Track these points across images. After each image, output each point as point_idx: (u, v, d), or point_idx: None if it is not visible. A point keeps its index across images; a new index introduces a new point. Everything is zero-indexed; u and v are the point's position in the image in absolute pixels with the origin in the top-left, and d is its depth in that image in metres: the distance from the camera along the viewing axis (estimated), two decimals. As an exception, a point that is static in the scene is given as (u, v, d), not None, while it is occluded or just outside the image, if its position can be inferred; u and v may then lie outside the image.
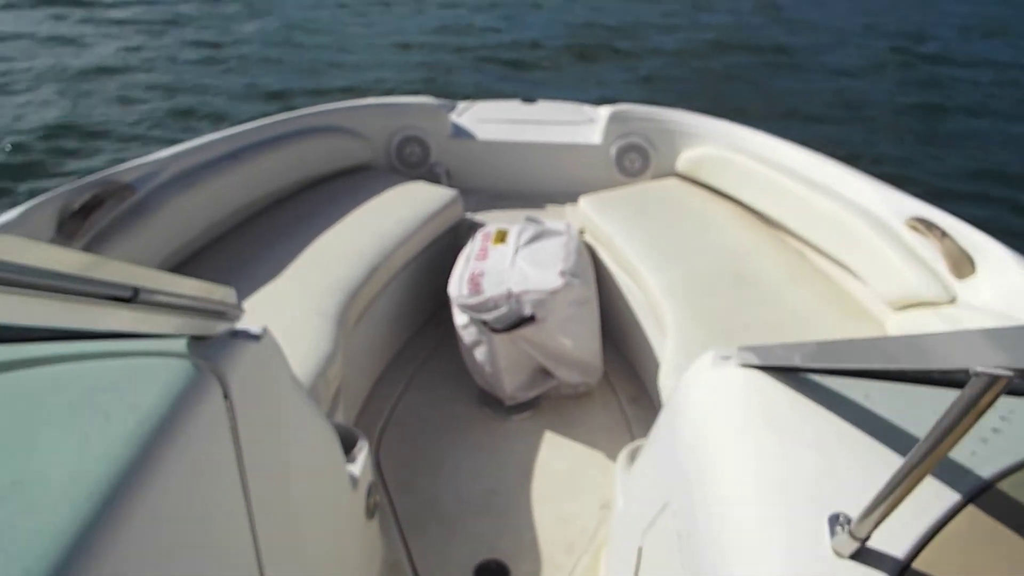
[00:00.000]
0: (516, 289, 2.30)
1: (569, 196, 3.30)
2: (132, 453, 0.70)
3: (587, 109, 3.71)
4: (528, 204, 3.27)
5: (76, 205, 2.10)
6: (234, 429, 0.89)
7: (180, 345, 0.88)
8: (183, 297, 0.81)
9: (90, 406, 0.75)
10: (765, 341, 2.06)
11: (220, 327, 0.94)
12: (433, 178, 3.28)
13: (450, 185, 3.20)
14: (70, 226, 2.03)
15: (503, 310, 2.27)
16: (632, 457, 1.69)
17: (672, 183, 3.17)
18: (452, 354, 2.73)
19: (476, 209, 3.19)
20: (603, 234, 2.80)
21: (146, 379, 0.80)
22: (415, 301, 2.90)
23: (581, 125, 3.49)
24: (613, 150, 3.30)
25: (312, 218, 2.75)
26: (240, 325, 1.00)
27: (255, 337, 0.98)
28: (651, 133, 3.24)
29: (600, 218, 2.83)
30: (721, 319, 2.17)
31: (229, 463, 0.89)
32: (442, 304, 3.03)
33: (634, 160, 3.28)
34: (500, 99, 3.86)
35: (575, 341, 2.42)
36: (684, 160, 3.16)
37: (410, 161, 3.34)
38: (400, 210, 2.82)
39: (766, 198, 2.76)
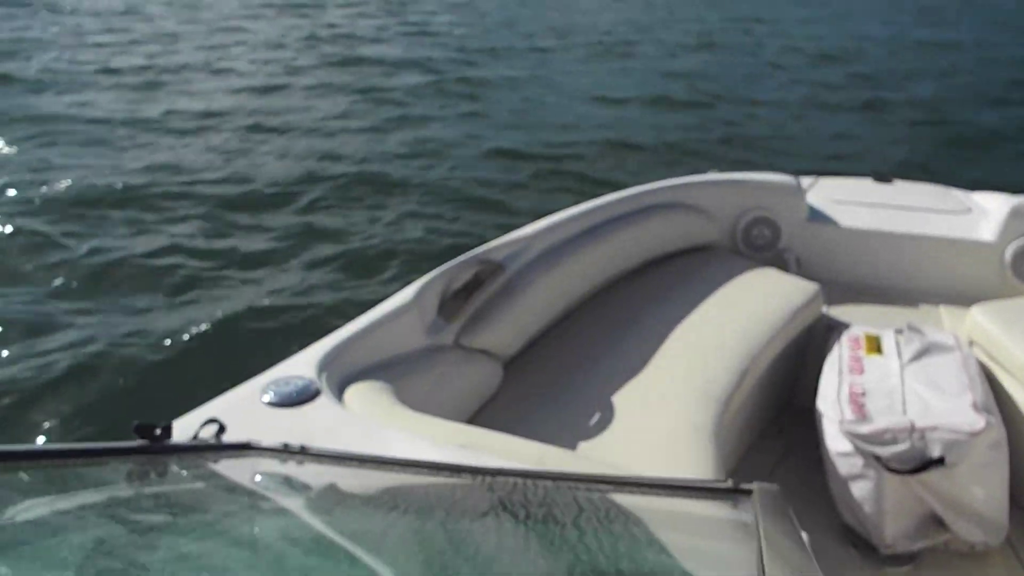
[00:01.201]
0: (920, 423, 1.92)
1: (944, 298, 2.85)
2: None
3: (958, 194, 3.21)
4: (891, 303, 2.85)
5: (458, 284, 2.11)
6: None
7: None
8: None
9: None
10: None
11: None
12: (781, 264, 2.98)
13: (799, 273, 2.89)
14: (451, 307, 2.04)
15: (903, 447, 1.90)
16: None
17: None
18: (797, 471, 2.40)
19: (829, 304, 2.83)
20: (1012, 357, 2.31)
21: None
22: (762, 407, 2.60)
23: (957, 215, 3.01)
24: (1010, 251, 2.77)
25: (663, 301, 2.59)
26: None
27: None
28: None
29: (1008, 336, 2.34)
30: None
31: None
32: (782, 410, 2.71)
33: None
34: (848, 176, 3.48)
35: (984, 492, 1.98)
36: None
37: (757, 244, 3.07)
38: (757, 302, 2.55)
39: None
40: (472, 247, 2.50)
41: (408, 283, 2.09)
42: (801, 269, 2.99)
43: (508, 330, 2.16)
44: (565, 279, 2.50)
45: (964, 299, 2.80)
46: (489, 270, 2.27)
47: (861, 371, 2.22)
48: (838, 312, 2.78)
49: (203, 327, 4.07)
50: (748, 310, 2.51)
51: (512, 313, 2.19)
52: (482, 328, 2.09)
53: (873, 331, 2.44)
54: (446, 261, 2.31)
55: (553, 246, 2.56)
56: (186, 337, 3.97)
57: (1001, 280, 2.80)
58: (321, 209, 5.93)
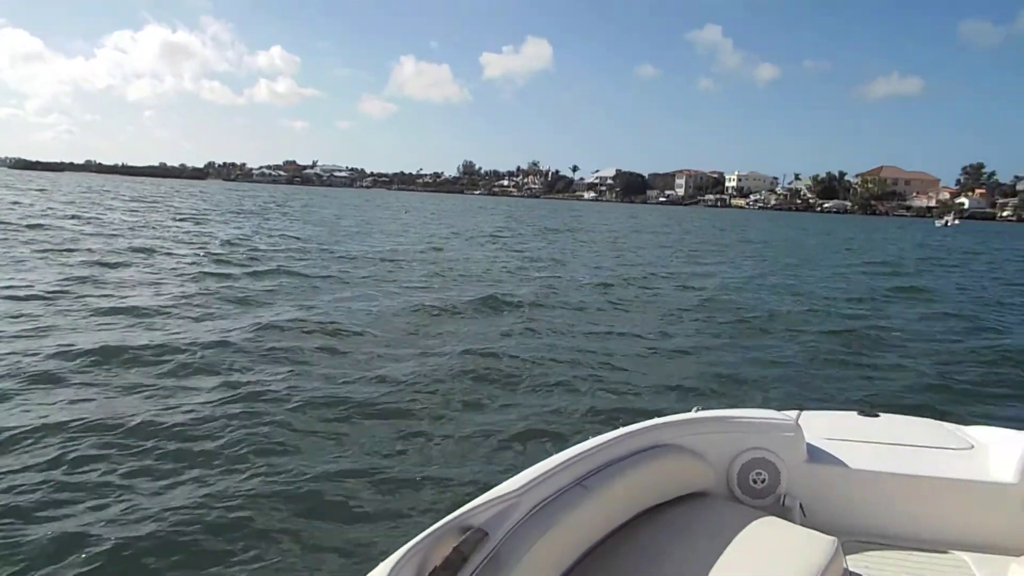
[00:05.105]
0: None
1: (967, 546, 2.65)
2: None
3: (952, 428, 3.13)
4: (911, 551, 2.64)
5: (437, 562, 1.82)
6: None
7: None
8: None
9: None
10: None
11: None
12: (782, 512, 2.75)
13: (806, 523, 2.66)
14: None
15: None
16: None
17: None
18: None
19: (845, 555, 2.58)
20: None
21: None
22: None
23: (960, 452, 2.89)
24: None
25: (664, 562, 2.32)
26: None
27: None
28: None
29: None
30: None
31: None
32: None
33: None
34: (827, 410, 3.38)
35: None
36: None
37: (755, 489, 2.83)
38: (773, 564, 2.30)
39: None
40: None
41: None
42: (806, 518, 2.76)
43: None
44: (557, 543, 2.22)
45: (991, 548, 2.60)
46: (472, 540, 1.98)
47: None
48: (857, 566, 2.54)
49: None
50: (766, 575, 2.24)
51: None
52: None
53: None
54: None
55: (541, 503, 2.30)
56: None
57: (1020, 522, 2.62)
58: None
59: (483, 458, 5.51)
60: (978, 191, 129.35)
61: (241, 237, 24.49)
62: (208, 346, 8.47)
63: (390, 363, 8.19)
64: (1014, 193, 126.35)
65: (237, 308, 11.28)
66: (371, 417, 6.31)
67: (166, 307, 10.87)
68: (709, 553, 2.35)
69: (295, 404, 6.51)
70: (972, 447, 2.91)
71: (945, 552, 2.64)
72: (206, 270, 15.38)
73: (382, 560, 1.82)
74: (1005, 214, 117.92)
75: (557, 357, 8.81)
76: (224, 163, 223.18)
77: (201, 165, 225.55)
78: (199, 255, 18.22)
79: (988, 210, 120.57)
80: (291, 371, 7.66)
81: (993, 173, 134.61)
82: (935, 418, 3.31)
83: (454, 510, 2.12)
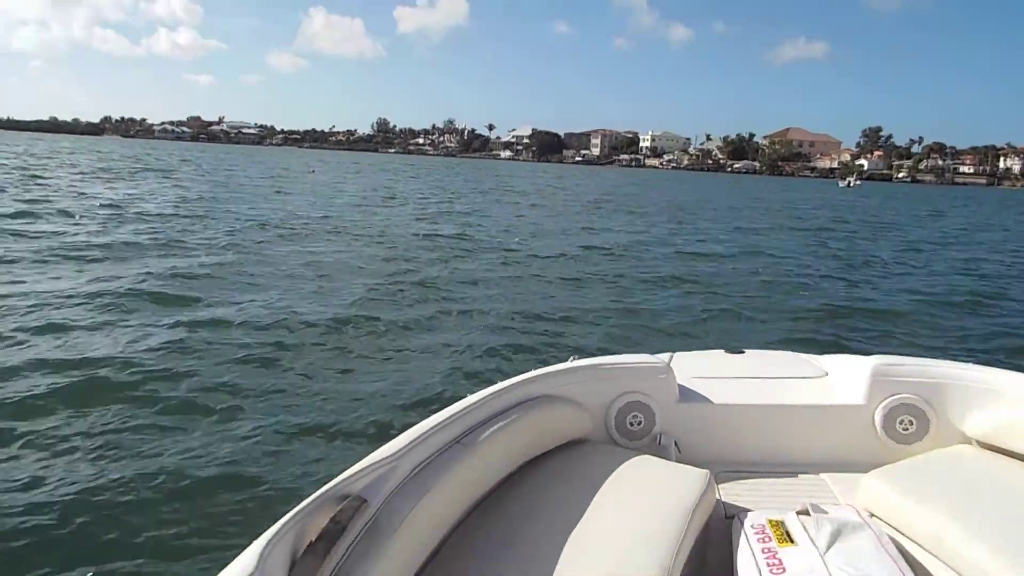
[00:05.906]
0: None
1: (826, 467, 2.81)
2: None
3: (809, 359, 3.30)
4: (777, 478, 2.73)
5: (313, 535, 1.68)
6: None
7: None
8: None
9: None
10: None
11: None
12: (659, 452, 2.78)
13: (681, 460, 2.71)
14: (305, 568, 1.58)
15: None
16: None
17: (969, 452, 2.61)
18: None
19: (717, 486, 2.65)
20: (915, 526, 2.20)
21: None
22: None
23: (817, 380, 3.06)
24: (880, 412, 2.78)
25: (545, 510, 2.29)
26: None
27: None
28: (929, 392, 2.74)
29: (908, 504, 2.24)
30: None
31: None
32: None
33: (908, 424, 2.76)
34: (697, 350, 3.47)
35: None
36: (981, 424, 2.62)
37: (632, 431, 2.88)
38: (653, 500, 2.30)
39: None
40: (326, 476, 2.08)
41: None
42: (681, 454, 2.82)
43: None
44: (438, 503, 2.15)
45: (846, 466, 2.76)
46: (350, 509, 1.87)
47: (782, 568, 2.00)
48: (729, 495, 2.61)
49: None
50: (644, 510, 2.24)
51: (384, 558, 1.77)
52: None
53: (774, 515, 2.25)
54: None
55: (420, 465, 2.22)
56: None
57: (875, 442, 2.80)
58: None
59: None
60: (876, 153, 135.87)
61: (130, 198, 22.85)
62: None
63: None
64: (909, 156, 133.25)
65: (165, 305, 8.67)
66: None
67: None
68: (588, 494, 2.35)
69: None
70: (826, 374, 3.07)
71: (806, 473, 2.77)
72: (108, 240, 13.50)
73: (256, 538, 1.68)
74: (900, 175, 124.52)
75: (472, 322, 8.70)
76: (122, 118, 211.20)
77: (97, 120, 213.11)
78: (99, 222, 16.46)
79: (885, 172, 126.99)
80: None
81: (890, 136, 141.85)
82: (795, 351, 3.44)
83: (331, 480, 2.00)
